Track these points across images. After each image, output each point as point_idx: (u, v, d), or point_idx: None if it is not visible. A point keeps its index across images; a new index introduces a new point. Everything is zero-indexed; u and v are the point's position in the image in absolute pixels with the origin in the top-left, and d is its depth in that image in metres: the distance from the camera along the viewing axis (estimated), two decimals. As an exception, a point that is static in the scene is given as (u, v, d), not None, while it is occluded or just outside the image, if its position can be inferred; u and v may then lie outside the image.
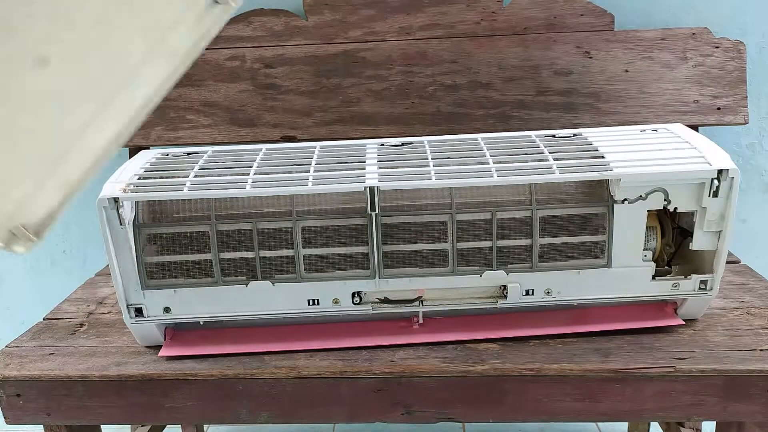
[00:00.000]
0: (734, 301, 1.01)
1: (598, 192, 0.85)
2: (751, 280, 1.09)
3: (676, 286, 0.87)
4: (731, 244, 1.27)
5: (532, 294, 0.88)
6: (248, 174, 0.86)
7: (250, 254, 0.87)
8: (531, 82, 1.29)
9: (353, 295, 0.89)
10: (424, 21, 1.30)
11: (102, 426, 1.02)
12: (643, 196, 0.82)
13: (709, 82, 1.26)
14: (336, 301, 0.89)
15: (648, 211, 0.85)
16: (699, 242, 0.85)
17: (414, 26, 1.30)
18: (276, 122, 1.32)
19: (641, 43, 1.27)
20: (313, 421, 0.90)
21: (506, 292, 0.89)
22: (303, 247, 0.87)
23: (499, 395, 0.87)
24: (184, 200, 0.87)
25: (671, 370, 0.84)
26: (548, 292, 0.88)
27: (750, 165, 1.38)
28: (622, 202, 0.83)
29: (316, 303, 0.89)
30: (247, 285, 0.88)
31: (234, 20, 1.31)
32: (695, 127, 1.27)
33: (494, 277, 0.87)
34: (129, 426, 1.34)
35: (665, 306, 0.93)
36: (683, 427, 1.18)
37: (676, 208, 0.84)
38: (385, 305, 0.90)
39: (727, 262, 1.16)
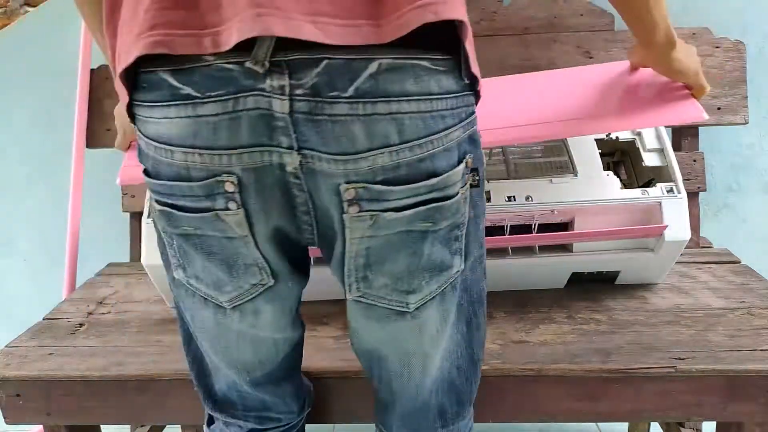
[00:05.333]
0: (734, 301, 1.01)
1: None
2: (751, 280, 1.09)
3: (644, 193, 0.98)
4: (731, 244, 1.27)
5: (515, 200, 0.97)
6: None
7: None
8: (531, 82, 1.29)
9: None
10: (424, 21, 1.30)
11: (102, 426, 1.02)
12: None
13: (709, 82, 1.25)
14: None
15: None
16: (649, 160, 1.04)
17: (414, 26, 1.30)
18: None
19: (641, 43, 1.27)
20: (313, 421, 0.90)
21: (490, 197, 0.98)
22: None
23: (499, 395, 0.87)
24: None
25: (671, 370, 0.84)
26: (528, 198, 0.97)
27: (750, 165, 1.38)
28: None
29: None
30: None
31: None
32: (695, 127, 1.27)
33: None
34: (129, 426, 1.34)
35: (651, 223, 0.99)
36: (683, 427, 1.18)
37: (617, 137, 1.05)
38: None
39: (727, 262, 1.16)
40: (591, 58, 1.27)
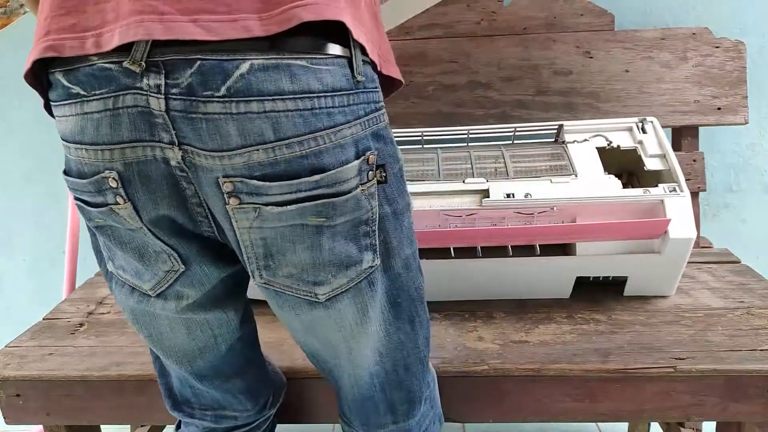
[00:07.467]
0: (734, 301, 1.01)
1: (558, 142, 1.11)
2: (751, 280, 1.09)
3: (647, 191, 0.98)
4: (731, 244, 1.27)
5: (513, 197, 0.98)
6: None
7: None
8: (531, 82, 1.29)
9: None
10: (424, 21, 1.30)
11: (102, 426, 1.02)
12: (588, 138, 1.08)
13: (709, 82, 1.26)
14: None
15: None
16: (650, 164, 1.04)
17: (414, 26, 1.30)
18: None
19: (641, 43, 1.27)
20: (314, 421, 0.90)
21: (489, 194, 0.99)
22: None
23: (499, 395, 0.87)
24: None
25: (671, 370, 0.84)
26: (527, 195, 0.98)
27: (750, 165, 1.38)
28: (572, 142, 1.07)
29: None
30: None
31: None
32: (695, 127, 1.27)
33: (475, 182, 1.01)
34: (129, 426, 1.34)
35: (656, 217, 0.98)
36: (683, 427, 1.18)
37: (618, 146, 1.07)
38: None
39: (727, 262, 1.16)
40: (591, 57, 1.27)
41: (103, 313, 1.10)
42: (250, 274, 0.64)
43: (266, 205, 0.57)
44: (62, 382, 0.91)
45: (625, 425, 1.45)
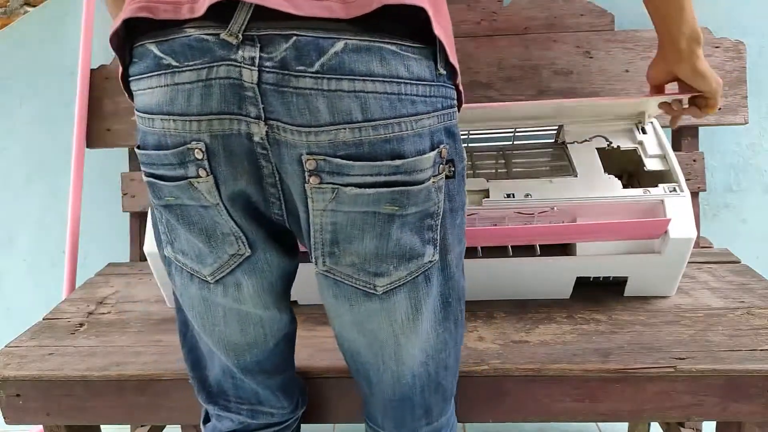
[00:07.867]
0: (734, 301, 1.01)
1: (558, 142, 1.13)
2: (751, 280, 1.09)
3: (647, 191, 0.98)
4: (731, 244, 1.27)
5: (513, 197, 0.98)
6: None
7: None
8: (531, 82, 1.29)
9: None
10: (424, 21, 1.30)
11: (102, 426, 1.02)
12: (588, 139, 1.07)
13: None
14: None
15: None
16: (650, 165, 1.04)
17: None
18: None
19: (641, 43, 1.27)
20: (314, 421, 0.90)
21: (489, 194, 0.99)
22: None
23: (499, 395, 0.87)
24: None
25: (671, 370, 0.84)
26: (527, 195, 0.98)
27: (750, 165, 1.38)
28: (572, 143, 1.06)
29: None
30: None
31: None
32: (695, 127, 1.27)
33: (475, 182, 1.00)
34: (129, 426, 1.34)
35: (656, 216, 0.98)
36: (683, 427, 1.18)
37: (618, 146, 1.06)
38: None
39: (727, 262, 1.16)
40: (591, 58, 1.27)
41: (103, 313, 1.11)
42: (313, 260, 0.64)
43: (346, 185, 0.58)
44: (62, 382, 0.91)
45: (625, 425, 1.45)
